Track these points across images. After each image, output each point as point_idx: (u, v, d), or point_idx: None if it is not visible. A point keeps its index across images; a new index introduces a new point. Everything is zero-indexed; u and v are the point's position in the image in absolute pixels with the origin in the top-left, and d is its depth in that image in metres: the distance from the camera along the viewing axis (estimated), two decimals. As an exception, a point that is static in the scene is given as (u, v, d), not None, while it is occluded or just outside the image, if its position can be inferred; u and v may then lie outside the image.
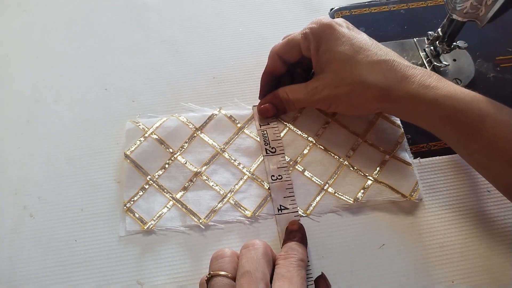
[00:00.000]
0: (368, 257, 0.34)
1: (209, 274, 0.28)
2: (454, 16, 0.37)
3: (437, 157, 0.39)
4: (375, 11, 0.49)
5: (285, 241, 0.33)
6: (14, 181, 0.38)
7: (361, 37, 0.36)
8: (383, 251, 0.34)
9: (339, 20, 0.37)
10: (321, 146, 0.39)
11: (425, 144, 0.40)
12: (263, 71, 0.40)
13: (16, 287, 0.33)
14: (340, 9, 0.49)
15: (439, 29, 0.42)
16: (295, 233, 0.33)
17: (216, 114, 0.40)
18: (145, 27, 0.48)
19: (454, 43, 0.42)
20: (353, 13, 0.49)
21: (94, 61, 0.45)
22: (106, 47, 0.46)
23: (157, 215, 0.36)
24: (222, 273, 0.28)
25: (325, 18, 0.36)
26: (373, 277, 0.33)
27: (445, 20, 0.40)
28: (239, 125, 0.40)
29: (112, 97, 0.43)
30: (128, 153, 0.38)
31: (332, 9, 0.49)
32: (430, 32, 0.44)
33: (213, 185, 0.37)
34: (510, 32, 0.47)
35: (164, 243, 0.35)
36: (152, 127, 0.40)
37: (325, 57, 0.36)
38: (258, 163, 0.38)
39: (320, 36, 0.36)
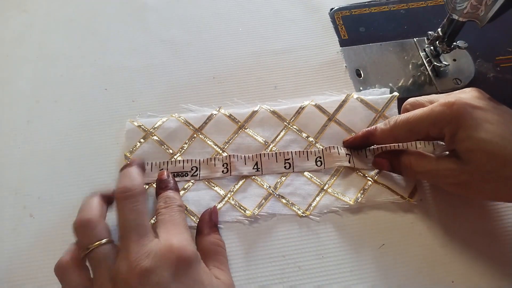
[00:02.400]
0: (368, 257, 0.34)
1: (87, 248, 0.27)
2: (454, 16, 0.37)
3: (437, 157, 0.39)
4: (375, 11, 0.49)
5: (158, 191, 0.34)
6: (14, 181, 0.38)
7: (508, 120, 0.30)
8: (383, 251, 0.34)
9: (474, 99, 0.31)
10: (320, 146, 0.39)
11: (425, 144, 0.40)
12: (365, 130, 0.37)
13: (16, 287, 0.33)
14: (340, 9, 0.49)
15: (439, 29, 0.42)
16: (167, 182, 0.35)
17: (215, 114, 0.40)
18: (145, 27, 0.48)
19: (454, 43, 0.42)
20: (353, 13, 0.49)
21: (94, 61, 0.45)
22: (106, 47, 0.46)
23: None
24: (103, 241, 0.27)
25: (457, 100, 0.31)
26: (373, 277, 0.33)
27: (445, 20, 0.40)
28: (239, 123, 0.40)
29: (112, 97, 0.43)
30: (128, 154, 0.38)
31: (332, 9, 0.49)
32: (430, 32, 0.44)
33: (213, 185, 0.37)
34: (510, 32, 0.47)
35: None
36: (153, 127, 0.39)
37: (464, 145, 0.30)
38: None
39: (456, 122, 0.30)
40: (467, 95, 0.32)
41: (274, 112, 0.40)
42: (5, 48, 0.46)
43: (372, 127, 0.36)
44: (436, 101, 0.33)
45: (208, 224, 0.34)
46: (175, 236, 0.29)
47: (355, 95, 0.41)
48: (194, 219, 0.35)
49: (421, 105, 0.34)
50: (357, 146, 0.38)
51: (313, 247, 0.35)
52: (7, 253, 0.35)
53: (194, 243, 0.30)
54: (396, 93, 0.41)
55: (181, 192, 0.37)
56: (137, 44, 0.47)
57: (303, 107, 0.40)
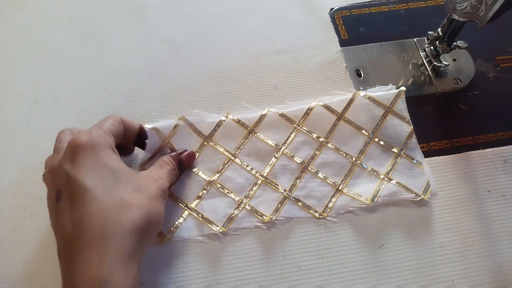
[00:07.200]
0: (368, 257, 0.34)
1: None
2: (454, 16, 0.37)
3: (437, 157, 0.39)
4: (375, 11, 0.49)
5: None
6: (14, 181, 0.38)
7: None
8: (383, 251, 0.34)
9: None
10: (332, 146, 0.39)
11: (425, 144, 0.40)
12: None
13: (16, 287, 0.33)
14: (340, 9, 0.49)
15: (439, 29, 0.42)
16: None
17: (223, 120, 0.40)
18: (145, 27, 0.48)
19: (454, 43, 0.42)
20: (353, 13, 0.49)
21: (94, 61, 0.45)
22: (106, 47, 0.46)
23: (174, 225, 0.35)
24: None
25: None
26: (373, 277, 0.33)
27: (445, 20, 0.40)
28: (248, 128, 0.40)
29: (112, 97, 0.43)
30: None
31: (332, 9, 0.49)
32: (430, 32, 0.44)
33: (227, 192, 0.37)
34: (510, 32, 0.47)
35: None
36: (169, 136, 0.37)
37: None
38: (271, 167, 0.38)
39: None
40: None
41: (282, 115, 0.40)
42: (5, 48, 0.46)
43: None
44: None
45: (176, 154, 0.36)
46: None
47: (362, 92, 0.41)
48: (213, 227, 0.35)
49: None
50: None
51: (313, 247, 0.35)
52: (7, 253, 0.35)
53: (105, 134, 0.31)
54: (403, 88, 0.41)
55: (196, 201, 0.36)
56: (137, 44, 0.47)
57: (311, 108, 0.40)
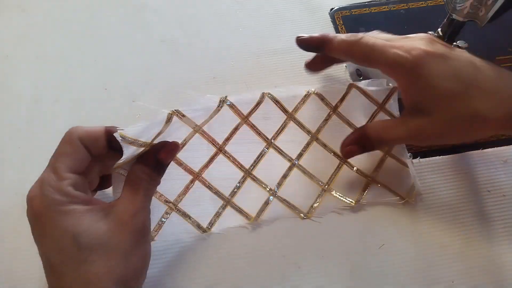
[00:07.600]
0: (368, 257, 0.34)
1: None
2: (454, 16, 0.37)
3: (437, 157, 0.39)
4: (375, 11, 0.49)
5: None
6: (14, 181, 0.38)
7: (464, 65, 0.32)
8: (383, 251, 0.34)
9: (432, 45, 0.32)
10: (321, 143, 0.39)
11: (425, 144, 0.40)
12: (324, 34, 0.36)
13: (16, 287, 0.33)
14: (340, 9, 0.49)
15: (439, 29, 0.41)
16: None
17: (220, 107, 0.37)
18: (145, 27, 0.48)
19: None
20: (353, 13, 0.49)
21: (94, 61, 0.45)
22: (106, 47, 0.46)
23: (157, 224, 0.34)
24: None
25: (416, 47, 0.32)
26: (373, 277, 0.33)
27: (445, 20, 0.40)
28: (242, 116, 0.38)
29: (112, 97, 0.43)
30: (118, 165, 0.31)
31: (332, 9, 0.49)
32: (430, 32, 0.43)
33: (212, 189, 0.36)
34: (510, 32, 0.47)
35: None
36: (153, 139, 0.31)
37: (425, 94, 0.32)
38: (258, 163, 0.37)
39: (415, 71, 0.31)
40: (422, 41, 0.33)
41: (277, 102, 0.38)
42: (5, 48, 0.46)
43: (331, 34, 0.36)
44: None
45: (151, 156, 0.29)
46: (36, 182, 0.28)
47: (356, 85, 0.39)
48: (196, 228, 0.35)
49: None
50: (309, 46, 0.37)
51: (313, 247, 0.35)
52: (7, 253, 0.35)
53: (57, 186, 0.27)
54: (396, 85, 0.40)
55: (180, 198, 0.35)
56: (137, 44, 0.47)
57: (307, 96, 0.39)
